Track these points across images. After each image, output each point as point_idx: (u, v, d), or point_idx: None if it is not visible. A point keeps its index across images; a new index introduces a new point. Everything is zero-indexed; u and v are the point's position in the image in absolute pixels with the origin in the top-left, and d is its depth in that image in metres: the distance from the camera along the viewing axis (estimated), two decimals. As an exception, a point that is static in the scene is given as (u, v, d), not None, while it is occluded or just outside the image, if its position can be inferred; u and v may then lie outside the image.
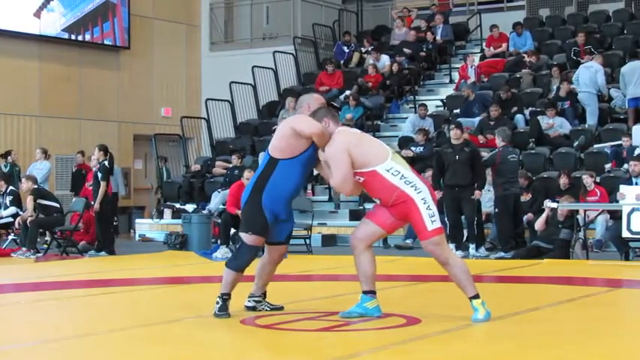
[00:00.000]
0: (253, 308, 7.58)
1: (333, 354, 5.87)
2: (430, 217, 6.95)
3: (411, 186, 6.97)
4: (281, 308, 7.65)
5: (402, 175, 6.98)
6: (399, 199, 6.97)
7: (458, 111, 20.08)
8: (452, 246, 13.10)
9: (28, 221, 15.07)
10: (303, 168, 7.24)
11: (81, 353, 6.12)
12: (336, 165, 6.96)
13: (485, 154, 15.37)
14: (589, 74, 18.50)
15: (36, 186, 15.55)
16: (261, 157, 7.36)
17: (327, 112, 7.22)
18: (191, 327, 7.05)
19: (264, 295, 7.65)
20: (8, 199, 15.96)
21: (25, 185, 15.53)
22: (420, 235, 7.02)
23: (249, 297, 7.63)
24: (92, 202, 15.11)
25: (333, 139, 7.05)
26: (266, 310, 7.56)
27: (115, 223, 16.73)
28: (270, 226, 7.23)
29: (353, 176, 7.01)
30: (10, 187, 16.25)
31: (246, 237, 7.22)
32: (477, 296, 7.01)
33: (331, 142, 7.02)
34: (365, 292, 7.22)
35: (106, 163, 14.84)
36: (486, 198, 15.42)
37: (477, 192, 14.28)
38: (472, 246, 14.32)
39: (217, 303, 7.29)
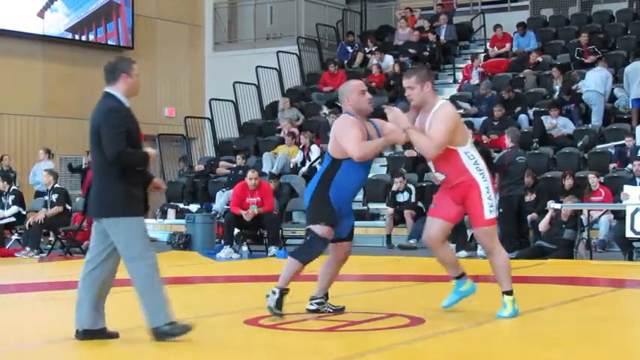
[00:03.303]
0: (316, 311, 7.42)
1: (337, 354, 5.86)
2: (489, 207, 7.11)
3: (480, 173, 7.11)
4: (342, 309, 7.53)
5: (476, 161, 7.12)
6: (464, 182, 7.08)
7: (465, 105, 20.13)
8: (452, 246, 13.08)
9: (30, 221, 15.07)
10: (366, 165, 7.31)
11: (84, 354, 6.12)
12: (446, 129, 6.94)
13: (494, 155, 15.29)
14: (600, 76, 18.52)
15: (57, 184, 15.52)
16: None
17: (429, 74, 7.21)
18: (195, 327, 7.03)
19: (327, 296, 7.54)
20: (10, 198, 15.96)
21: (47, 179, 15.53)
22: (476, 221, 7.15)
23: (311, 299, 7.49)
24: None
25: (447, 107, 7.15)
26: (329, 312, 7.42)
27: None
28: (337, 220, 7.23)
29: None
30: (13, 187, 16.26)
31: (319, 228, 7.17)
32: (510, 292, 7.13)
33: (445, 109, 7.08)
34: (456, 278, 7.47)
35: None
36: (490, 205, 15.36)
37: None
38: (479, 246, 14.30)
39: (274, 294, 7.16)
